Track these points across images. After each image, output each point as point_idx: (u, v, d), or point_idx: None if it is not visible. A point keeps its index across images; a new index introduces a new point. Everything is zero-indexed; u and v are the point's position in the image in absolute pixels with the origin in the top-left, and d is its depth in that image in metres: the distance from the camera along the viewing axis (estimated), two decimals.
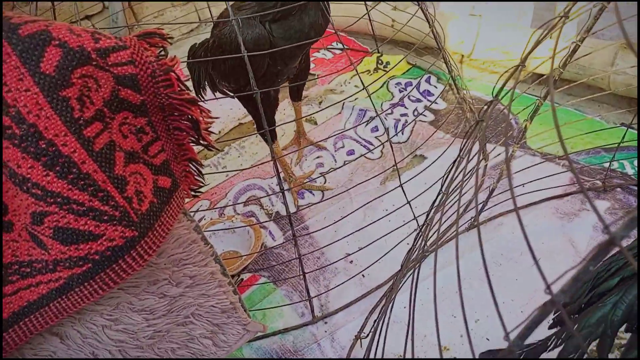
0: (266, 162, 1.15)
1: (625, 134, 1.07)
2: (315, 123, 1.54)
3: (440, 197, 0.69)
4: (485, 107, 0.69)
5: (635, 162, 1.18)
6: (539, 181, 1.14)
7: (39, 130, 0.51)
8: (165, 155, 0.64)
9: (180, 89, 0.61)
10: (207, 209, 1.31)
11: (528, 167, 1.17)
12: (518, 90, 1.48)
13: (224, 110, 1.65)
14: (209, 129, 0.67)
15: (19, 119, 0.50)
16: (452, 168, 0.69)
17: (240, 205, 1.30)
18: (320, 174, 1.35)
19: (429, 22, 1.18)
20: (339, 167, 1.34)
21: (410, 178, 1.07)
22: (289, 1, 0.96)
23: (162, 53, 0.63)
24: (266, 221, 1.24)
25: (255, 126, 1.26)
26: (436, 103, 1.52)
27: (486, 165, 1.23)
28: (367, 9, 1.60)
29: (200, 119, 0.64)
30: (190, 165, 0.69)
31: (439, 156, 1.16)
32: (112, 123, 0.57)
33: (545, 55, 1.25)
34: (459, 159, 0.70)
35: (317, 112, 1.34)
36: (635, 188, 1.12)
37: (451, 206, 0.66)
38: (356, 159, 1.35)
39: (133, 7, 2.03)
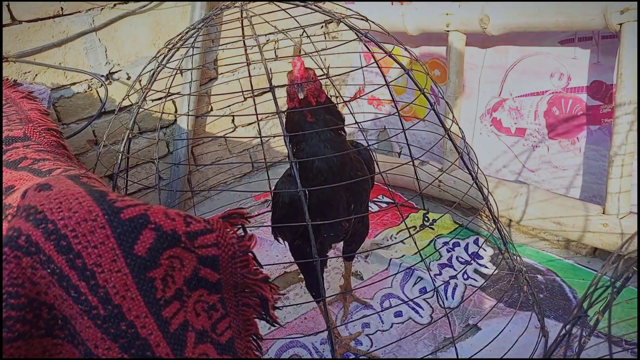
0: (321, 331, 1.12)
1: None
2: (362, 278, 1.53)
3: None
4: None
5: None
6: None
7: (123, 311, 0.52)
8: (231, 333, 0.63)
9: (256, 268, 0.63)
10: None
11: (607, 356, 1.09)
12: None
13: (270, 256, 1.67)
14: (276, 305, 0.67)
15: (105, 300, 0.51)
16: None
17: None
18: (366, 335, 1.29)
19: (482, 194, 1.21)
20: (386, 330, 1.28)
21: (467, 351, 1.01)
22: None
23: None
24: None
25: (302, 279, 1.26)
26: (485, 267, 1.49)
27: (546, 340, 1.16)
28: (415, 170, 1.68)
29: (270, 296, 0.65)
30: (252, 339, 0.68)
31: (500, 331, 1.11)
32: (188, 301, 0.57)
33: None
34: None
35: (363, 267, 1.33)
36: None
37: None
38: (404, 322, 1.30)
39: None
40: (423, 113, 2.12)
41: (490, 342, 1.15)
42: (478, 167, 1.31)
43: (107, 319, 0.51)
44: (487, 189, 1.32)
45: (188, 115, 1.96)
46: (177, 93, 1.76)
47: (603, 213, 1.35)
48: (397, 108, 1.20)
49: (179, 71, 1.24)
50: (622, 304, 1.17)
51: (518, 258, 1.45)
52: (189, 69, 1.83)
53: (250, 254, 0.63)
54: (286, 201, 1.05)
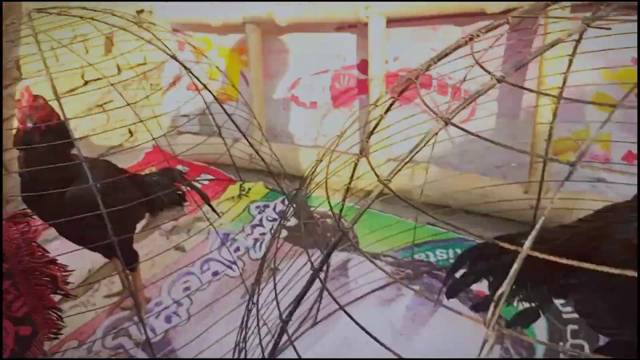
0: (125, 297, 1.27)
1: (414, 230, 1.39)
2: (184, 250, 1.71)
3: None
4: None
5: (437, 252, 1.51)
6: (367, 276, 1.40)
7: None
8: (27, 309, 0.77)
9: (41, 254, 0.77)
10: (75, 347, 1.36)
11: (358, 265, 1.45)
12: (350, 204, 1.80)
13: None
14: (67, 280, 0.83)
15: None
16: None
17: (110, 339, 1.38)
18: (187, 296, 1.49)
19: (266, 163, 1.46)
20: (205, 289, 1.50)
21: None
22: None
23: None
24: (131, 348, 1.33)
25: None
26: (288, 220, 1.78)
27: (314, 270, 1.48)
28: (227, 148, 1.89)
29: (58, 274, 0.80)
30: (50, 312, 0.83)
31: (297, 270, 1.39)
32: None
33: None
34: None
35: (185, 239, 1.52)
36: (438, 273, 1.43)
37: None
38: (219, 278, 1.53)
39: None
40: (236, 94, 2.32)
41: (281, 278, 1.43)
42: (265, 138, 1.56)
43: None
44: (273, 154, 1.58)
45: None
46: None
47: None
48: (212, 93, 1.39)
49: None
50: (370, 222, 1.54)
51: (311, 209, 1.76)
52: None
53: (34, 243, 0.77)
54: None
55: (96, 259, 1.69)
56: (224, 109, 1.76)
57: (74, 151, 1.22)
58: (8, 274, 0.74)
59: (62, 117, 1.12)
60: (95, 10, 1.28)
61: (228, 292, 1.43)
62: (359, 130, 1.75)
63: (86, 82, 2.42)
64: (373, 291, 1.39)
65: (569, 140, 1.53)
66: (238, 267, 1.52)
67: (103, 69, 2.20)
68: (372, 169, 0.65)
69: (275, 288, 0.78)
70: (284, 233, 1.72)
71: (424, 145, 0.52)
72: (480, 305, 1.09)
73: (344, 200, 1.19)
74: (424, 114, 0.72)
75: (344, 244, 0.67)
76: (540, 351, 1.17)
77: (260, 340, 0.74)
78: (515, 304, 1.01)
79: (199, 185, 2.01)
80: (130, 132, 2.65)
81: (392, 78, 1.75)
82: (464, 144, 1.70)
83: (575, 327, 1.19)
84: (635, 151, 1.45)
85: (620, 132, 1.45)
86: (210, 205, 1.55)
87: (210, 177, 2.14)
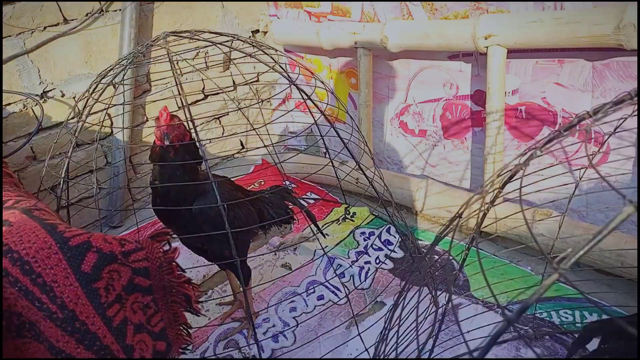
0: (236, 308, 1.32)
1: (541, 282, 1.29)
2: (290, 268, 1.74)
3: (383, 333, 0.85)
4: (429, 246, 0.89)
5: (561, 312, 1.38)
6: (482, 329, 1.31)
7: (76, 314, 0.70)
8: (163, 324, 0.82)
9: (179, 274, 0.82)
10: (189, 351, 1.44)
11: (472, 316, 1.36)
12: (456, 240, 1.72)
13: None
14: (198, 299, 0.87)
15: (62, 306, 0.69)
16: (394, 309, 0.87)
17: (221, 347, 1.44)
18: (293, 317, 1.51)
19: (376, 191, 1.45)
20: (310, 312, 1.51)
21: (372, 324, 1.25)
22: None
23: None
24: None
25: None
26: (395, 252, 1.75)
27: (437, 310, 1.42)
28: (334, 170, 1.91)
29: (192, 294, 0.84)
30: (181, 328, 0.88)
31: (397, 303, 1.35)
32: (126, 303, 0.76)
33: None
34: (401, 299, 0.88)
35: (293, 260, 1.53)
36: (562, 337, 1.31)
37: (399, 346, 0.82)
38: (324, 304, 1.53)
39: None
40: (344, 116, 2.35)
41: (386, 313, 1.40)
42: (375, 165, 1.54)
43: (64, 320, 0.69)
44: (384, 183, 1.56)
45: (123, 128, 2.08)
46: (113, 105, 1.89)
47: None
48: (322, 112, 1.42)
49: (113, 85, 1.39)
50: (488, 272, 1.45)
51: (418, 242, 1.72)
52: (121, 83, 1.96)
53: (174, 263, 0.82)
54: None
55: (213, 266, 1.79)
56: (337, 131, 1.78)
57: (202, 168, 1.32)
58: (150, 289, 0.79)
59: (194, 138, 1.20)
60: (221, 34, 1.37)
61: (334, 319, 1.44)
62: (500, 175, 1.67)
63: (206, 96, 2.59)
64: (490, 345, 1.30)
65: None
66: (345, 294, 1.51)
67: (220, 84, 2.34)
68: (543, 253, 0.59)
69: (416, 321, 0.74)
70: (389, 265, 1.69)
71: (608, 232, 0.44)
72: None
73: (468, 250, 1.14)
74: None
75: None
76: None
77: None
78: None
79: (305, 204, 2.05)
80: (241, 143, 2.78)
81: (510, 112, 1.65)
82: (589, 189, 1.55)
83: None
84: None
85: None
86: (317, 226, 1.57)
87: (317, 196, 2.17)
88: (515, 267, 1.57)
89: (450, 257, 1.64)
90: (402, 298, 0.87)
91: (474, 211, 1.01)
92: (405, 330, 1.10)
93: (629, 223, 1.47)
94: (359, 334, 1.20)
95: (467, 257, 1.11)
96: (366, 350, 1.20)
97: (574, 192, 1.21)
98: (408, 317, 0.99)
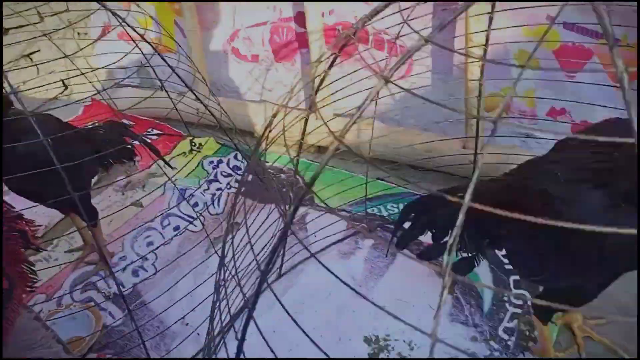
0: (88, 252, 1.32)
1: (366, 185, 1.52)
2: (142, 206, 1.75)
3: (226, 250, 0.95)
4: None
5: (388, 206, 1.66)
6: (325, 230, 1.52)
7: None
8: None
9: (7, 209, 0.81)
10: (44, 302, 1.40)
11: (316, 219, 1.56)
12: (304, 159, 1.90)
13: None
14: (36, 235, 0.88)
15: None
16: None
17: (78, 292, 1.43)
18: (152, 252, 1.55)
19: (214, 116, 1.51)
20: (168, 243, 1.57)
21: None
22: None
23: None
24: (102, 302, 1.39)
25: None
26: (247, 175, 1.86)
27: (285, 221, 1.59)
28: (173, 103, 1.89)
29: (26, 229, 0.85)
30: (23, 267, 0.88)
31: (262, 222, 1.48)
32: None
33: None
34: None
35: (143, 196, 1.55)
36: (390, 226, 1.57)
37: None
38: (181, 233, 1.60)
39: None
40: (174, 45, 2.27)
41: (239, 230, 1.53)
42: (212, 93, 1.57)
43: None
44: (224, 111, 1.63)
45: None
46: None
47: (316, 119, 1.81)
48: (145, 40, 1.38)
49: None
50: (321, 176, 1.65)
51: (266, 164, 1.84)
52: None
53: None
54: None
55: (53, 215, 1.70)
56: (166, 62, 1.76)
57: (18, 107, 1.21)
58: None
59: None
60: None
61: (193, 246, 1.52)
62: (305, 86, 1.82)
63: (7, 30, 2.27)
64: (333, 243, 1.51)
65: (499, 97, 1.68)
66: (201, 222, 1.59)
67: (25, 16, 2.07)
68: (325, 124, 0.70)
69: (250, 241, 0.85)
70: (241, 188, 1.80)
71: (369, 103, 0.60)
72: (424, 254, 1.19)
73: (298, 155, 1.28)
74: (366, 69, 0.78)
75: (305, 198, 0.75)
76: (487, 300, 1.30)
77: (242, 291, 0.81)
78: (456, 253, 1.17)
79: (148, 140, 2.02)
80: (64, 84, 2.53)
81: (329, 32, 1.80)
82: (405, 100, 1.82)
83: (517, 277, 1.33)
84: (558, 107, 1.63)
85: (545, 88, 1.62)
86: (164, 160, 1.58)
87: (160, 132, 2.14)
88: (347, 173, 1.80)
89: (292, 173, 1.81)
90: (247, 213, 0.98)
91: (296, 119, 1.14)
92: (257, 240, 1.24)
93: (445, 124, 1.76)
94: (215, 252, 1.31)
95: (307, 170, 1.26)
96: (225, 265, 1.31)
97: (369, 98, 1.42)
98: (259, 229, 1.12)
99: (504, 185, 1.01)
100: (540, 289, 1.11)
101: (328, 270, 0.69)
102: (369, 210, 1.61)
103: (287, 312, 0.68)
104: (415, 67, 1.80)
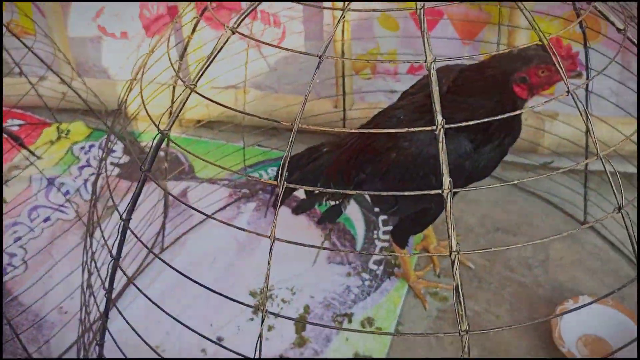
0: None
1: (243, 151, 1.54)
2: (5, 202, 1.61)
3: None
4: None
5: (269, 170, 1.69)
6: (207, 200, 1.52)
7: None
8: None
9: None
10: None
11: (197, 190, 1.56)
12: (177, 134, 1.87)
13: None
14: None
15: None
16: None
17: None
18: (20, 247, 1.45)
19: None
20: (38, 236, 1.47)
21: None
22: None
23: None
24: None
25: None
26: (119, 158, 1.78)
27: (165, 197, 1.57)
28: (33, 86, 1.75)
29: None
30: None
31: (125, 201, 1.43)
32: None
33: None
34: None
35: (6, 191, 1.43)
36: (270, 188, 1.61)
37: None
38: (53, 224, 1.50)
39: None
40: (32, 26, 2.09)
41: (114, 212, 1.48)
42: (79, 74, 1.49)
43: None
44: (92, 92, 1.55)
45: None
46: None
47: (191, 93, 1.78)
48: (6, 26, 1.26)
49: None
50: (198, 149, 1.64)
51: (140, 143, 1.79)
52: None
53: None
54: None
55: None
56: (23, 43, 1.62)
57: None
58: None
59: None
60: None
61: (62, 232, 1.44)
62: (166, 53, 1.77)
63: None
64: (216, 212, 1.51)
65: (366, 57, 1.78)
66: (73, 208, 1.50)
67: None
68: (177, 74, 0.70)
69: (121, 217, 0.83)
70: (117, 171, 1.73)
71: (218, 52, 0.63)
72: (299, 208, 1.30)
73: (170, 126, 1.26)
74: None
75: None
76: (360, 240, 1.41)
77: (102, 280, 0.78)
78: (324, 203, 1.25)
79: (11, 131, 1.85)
80: None
81: (201, 4, 1.77)
82: (279, 66, 1.85)
83: (385, 217, 1.47)
84: (416, 65, 1.75)
85: (405, 47, 1.74)
86: (27, 148, 1.47)
87: (20, 121, 1.97)
88: (230, 145, 1.79)
89: (172, 149, 1.77)
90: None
91: (159, 89, 1.11)
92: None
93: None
94: (87, 236, 1.25)
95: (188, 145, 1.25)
96: (106, 243, 1.26)
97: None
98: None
99: (359, 135, 1.09)
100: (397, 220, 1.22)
101: None
102: (250, 176, 1.64)
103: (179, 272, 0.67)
104: (289, 35, 1.83)
